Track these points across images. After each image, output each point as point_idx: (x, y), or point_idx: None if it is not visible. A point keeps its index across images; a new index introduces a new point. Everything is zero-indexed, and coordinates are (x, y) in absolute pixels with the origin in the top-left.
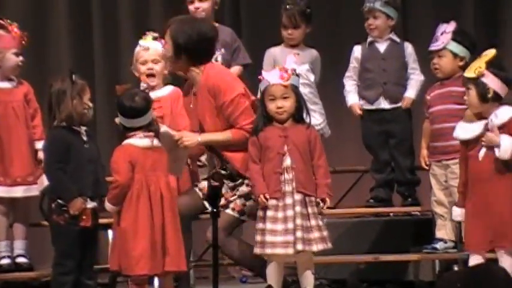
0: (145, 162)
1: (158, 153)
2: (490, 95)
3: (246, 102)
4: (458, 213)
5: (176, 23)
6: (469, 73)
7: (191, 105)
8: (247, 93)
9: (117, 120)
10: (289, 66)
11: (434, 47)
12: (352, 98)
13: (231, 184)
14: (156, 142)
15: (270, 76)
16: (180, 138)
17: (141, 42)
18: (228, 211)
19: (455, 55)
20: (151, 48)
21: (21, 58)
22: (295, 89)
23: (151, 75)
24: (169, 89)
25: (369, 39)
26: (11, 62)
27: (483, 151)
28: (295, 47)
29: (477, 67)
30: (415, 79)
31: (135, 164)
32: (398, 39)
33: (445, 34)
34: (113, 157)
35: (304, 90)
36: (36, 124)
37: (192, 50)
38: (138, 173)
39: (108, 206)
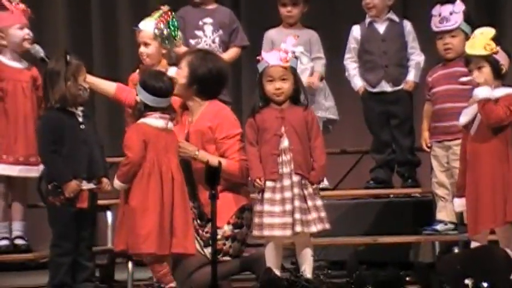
0: (159, 143)
1: (171, 135)
2: (503, 72)
3: (243, 143)
4: (458, 203)
5: (197, 55)
6: (480, 50)
7: (186, 131)
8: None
9: (137, 98)
10: (288, 48)
11: (447, 26)
12: (358, 81)
13: (199, 222)
14: (170, 125)
15: (269, 57)
16: (180, 146)
17: (141, 22)
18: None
19: (466, 35)
20: (142, 30)
21: (27, 31)
22: (293, 71)
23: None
24: (175, 69)
25: (368, 19)
26: (16, 38)
27: (475, 127)
28: (293, 27)
29: (485, 44)
30: (416, 60)
31: (148, 143)
32: (397, 19)
33: (455, 14)
34: (127, 134)
35: None
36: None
37: (206, 84)
38: (150, 152)
39: (116, 183)
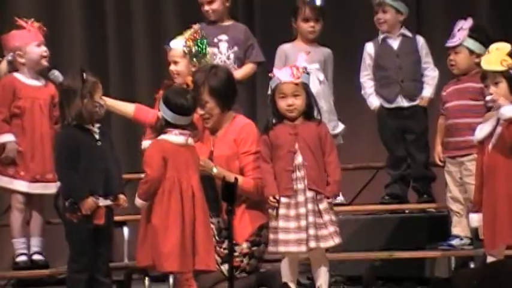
0: (179, 159)
1: (192, 151)
2: None
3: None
4: (475, 219)
5: (205, 71)
6: (496, 66)
7: (212, 148)
8: None
9: (159, 114)
10: (300, 64)
11: (450, 43)
12: (374, 100)
13: (217, 238)
14: (190, 140)
15: (281, 74)
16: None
17: (172, 41)
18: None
19: (471, 52)
20: (173, 49)
21: (44, 48)
22: (305, 87)
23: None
24: None
25: (381, 35)
26: (34, 55)
27: (493, 142)
28: (308, 43)
29: (502, 60)
30: (431, 76)
31: (167, 160)
32: (410, 34)
33: (461, 30)
34: (147, 151)
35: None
36: (58, 127)
37: (223, 95)
38: (170, 169)
39: (138, 201)
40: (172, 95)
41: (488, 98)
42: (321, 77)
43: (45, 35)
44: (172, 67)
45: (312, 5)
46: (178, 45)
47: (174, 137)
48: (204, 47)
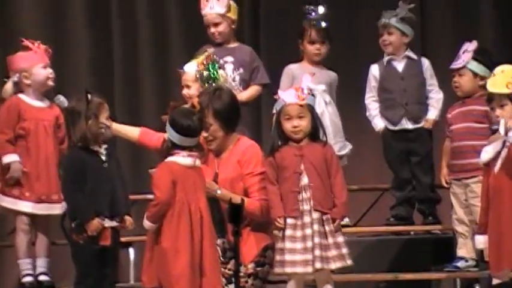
0: (187, 181)
1: (199, 173)
2: None
3: (265, 182)
4: (480, 240)
5: (208, 93)
6: (502, 89)
7: (216, 170)
8: None
9: (165, 135)
10: (304, 85)
11: (454, 65)
12: (379, 122)
13: (222, 259)
14: (198, 162)
15: (286, 95)
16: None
17: (186, 64)
18: None
19: (475, 74)
20: (186, 73)
21: (50, 70)
22: (310, 108)
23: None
24: None
25: (386, 57)
26: (40, 76)
27: (498, 164)
28: (315, 66)
29: (507, 83)
30: (436, 98)
31: (176, 182)
32: (415, 56)
33: (466, 53)
34: (156, 173)
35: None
36: (63, 148)
37: (227, 117)
38: (179, 191)
39: (146, 223)
40: (178, 117)
41: (501, 121)
42: (327, 98)
43: (50, 56)
44: (185, 91)
45: (317, 28)
46: (191, 69)
47: (182, 158)
48: (215, 71)
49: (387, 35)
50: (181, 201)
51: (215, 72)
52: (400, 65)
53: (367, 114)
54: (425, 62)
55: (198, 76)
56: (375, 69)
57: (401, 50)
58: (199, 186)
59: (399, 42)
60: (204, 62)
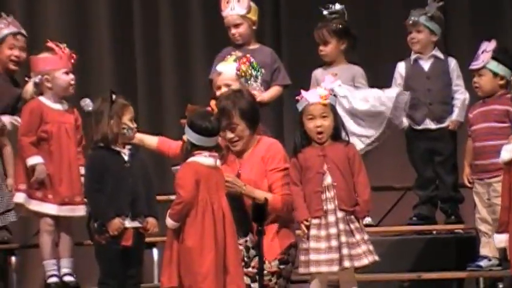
0: (210, 181)
1: (220, 173)
2: None
3: (288, 178)
4: (500, 239)
5: (229, 97)
6: None
7: (239, 171)
8: None
9: (185, 137)
10: (326, 86)
11: (474, 65)
12: (405, 121)
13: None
14: (218, 162)
15: (309, 95)
16: (228, 181)
17: (218, 65)
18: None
19: (495, 74)
20: (224, 73)
21: (72, 76)
22: (332, 108)
23: None
24: None
25: (413, 56)
26: (61, 82)
27: None
28: (335, 65)
29: None
30: (461, 99)
31: (200, 182)
32: (442, 56)
33: (485, 53)
34: (179, 173)
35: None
36: (79, 151)
37: (252, 117)
38: (202, 191)
39: (169, 222)
40: (196, 118)
41: None
42: (341, 91)
43: (75, 62)
44: (224, 90)
45: (316, 30)
46: (229, 69)
47: (204, 159)
48: (258, 68)
49: (416, 33)
50: (204, 201)
51: (258, 70)
52: (426, 64)
53: None
54: (452, 62)
55: (243, 75)
56: (401, 67)
57: (429, 48)
58: (221, 186)
59: (427, 40)
60: (245, 62)
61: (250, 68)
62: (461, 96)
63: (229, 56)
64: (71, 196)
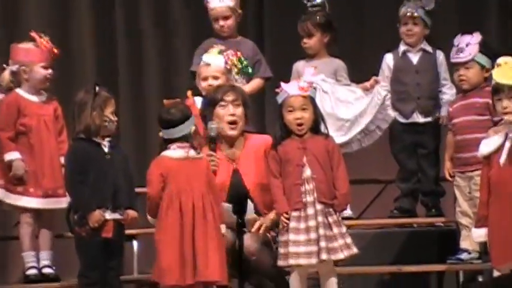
0: (179, 174)
1: (194, 164)
2: None
3: None
4: (479, 234)
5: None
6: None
7: (236, 166)
8: None
9: (160, 133)
10: (307, 79)
11: (461, 58)
12: (391, 113)
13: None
14: (192, 153)
15: (289, 87)
16: (260, 226)
17: (204, 57)
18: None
19: (482, 67)
20: (212, 64)
21: (50, 71)
22: (312, 100)
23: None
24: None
25: (402, 48)
26: (38, 75)
27: (504, 157)
28: (317, 58)
29: None
30: (450, 94)
31: (166, 176)
32: (430, 49)
33: (471, 45)
34: (149, 169)
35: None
36: (62, 140)
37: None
38: (170, 184)
39: (149, 218)
40: (160, 113)
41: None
42: (325, 86)
43: (55, 56)
44: (210, 81)
45: (300, 23)
46: (217, 61)
47: (172, 151)
48: (247, 63)
49: (412, 25)
50: (169, 194)
51: (247, 65)
52: (415, 58)
53: None
54: (440, 55)
55: (234, 68)
56: (389, 59)
57: (420, 41)
58: (195, 177)
59: (421, 33)
60: (234, 55)
61: (238, 61)
62: (449, 91)
63: (212, 48)
64: (54, 188)
